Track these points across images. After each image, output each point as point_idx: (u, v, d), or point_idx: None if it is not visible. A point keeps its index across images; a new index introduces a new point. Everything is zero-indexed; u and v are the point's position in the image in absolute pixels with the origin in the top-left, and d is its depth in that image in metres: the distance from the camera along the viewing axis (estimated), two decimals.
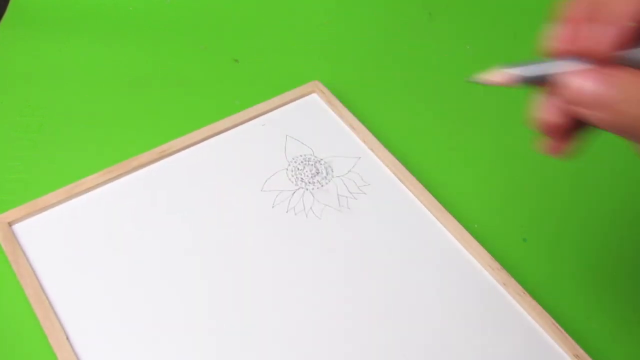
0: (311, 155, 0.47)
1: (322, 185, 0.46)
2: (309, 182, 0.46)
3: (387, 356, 0.38)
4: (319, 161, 0.47)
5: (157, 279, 0.40)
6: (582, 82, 0.25)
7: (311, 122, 0.49)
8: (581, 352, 0.38)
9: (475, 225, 0.46)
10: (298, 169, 0.46)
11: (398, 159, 0.47)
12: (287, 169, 0.46)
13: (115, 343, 0.37)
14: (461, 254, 0.43)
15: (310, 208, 0.44)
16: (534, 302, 0.40)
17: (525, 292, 0.40)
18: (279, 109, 0.50)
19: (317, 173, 0.46)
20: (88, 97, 0.52)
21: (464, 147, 0.51)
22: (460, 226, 0.43)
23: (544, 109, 0.29)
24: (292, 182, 0.46)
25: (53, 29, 0.57)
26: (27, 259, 0.39)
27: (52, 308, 0.37)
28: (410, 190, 0.45)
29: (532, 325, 0.40)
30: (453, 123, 0.53)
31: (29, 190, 0.45)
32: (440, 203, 0.44)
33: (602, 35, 0.25)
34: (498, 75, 0.31)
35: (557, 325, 0.39)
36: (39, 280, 0.39)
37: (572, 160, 0.48)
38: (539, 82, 0.28)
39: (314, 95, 0.51)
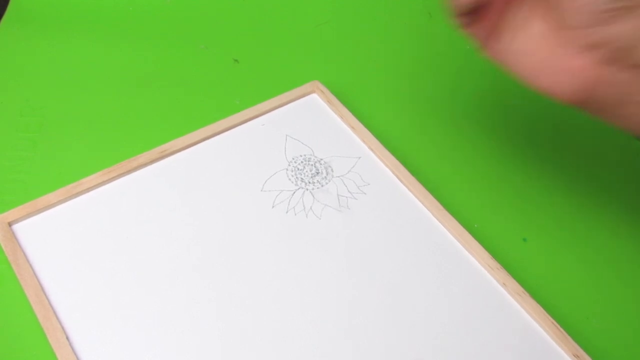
0: (311, 155, 0.47)
1: (322, 185, 0.46)
2: (309, 182, 0.46)
3: (387, 356, 0.38)
4: (319, 161, 0.47)
5: (157, 279, 0.40)
6: None
7: (311, 122, 0.49)
8: (581, 352, 0.38)
9: (475, 225, 0.46)
10: (298, 169, 0.46)
11: (398, 159, 0.47)
12: (287, 169, 0.46)
13: (115, 343, 0.37)
14: (461, 254, 0.43)
15: (310, 208, 0.44)
16: (534, 302, 0.40)
17: (525, 292, 0.40)
18: (279, 109, 0.50)
19: (317, 173, 0.46)
20: (88, 97, 0.52)
21: (464, 147, 0.51)
22: (460, 226, 0.43)
23: None
24: (292, 182, 0.46)
25: (53, 29, 0.57)
26: (27, 259, 0.39)
27: (52, 308, 0.37)
28: (410, 190, 0.45)
29: (532, 325, 0.40)
30: (453, 123, 0.53)
31: (29, 190, 0.45)
32: (440, 203, 0.44)
33: None
34: None
35: (557, 325, 0.39)
36: (39, 280, 0.39)
37: (573, 160, 0.48)
38: None
39: (314, 95, 0.51)
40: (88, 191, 0.43)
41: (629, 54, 0.28)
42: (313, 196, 0.45)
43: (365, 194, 0.45)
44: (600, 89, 0.30)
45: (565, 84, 0.31)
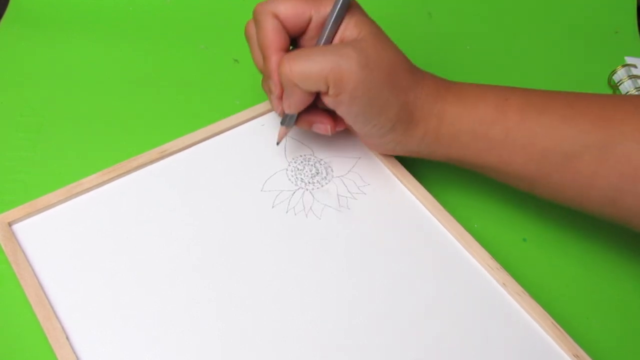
0: (311, 155, 0.47)
1: (322, 186, 0.46)
2: (309, 182, 0.46)
3: (386, 356, 0.38)
4: (319, 161, 0.47)
5: (157, 279, 0.40)
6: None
7: None
8: (581, 352, 0.38)
9: (475, 225, 0.46)
10: (298, 169, 0.46)
11: (398, 159, 0.47)
12: (287, 169, 0.46)
13: (115, 343, 0.37)
14: (461, 254, 0.43)
15: (310, 208, 0.44)
16: (534, 302, 0.40)
17: (525, 292, 0.40)
18: None
19: (317, 173, 0.46)
20: (88, 97, 0.52)
21: None
22: (460, 226, 0.43)
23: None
24: (292, 182, 0.46)
25: (53, 29, 0.57)
26: (27, 259, 0.39)
27: (52, 308, 0.37)
28: (410, 190, 0.45)
29: (532, 325, 0.40)
30: None
31: (29, 190, 0.45)
32: (440, 203, 0.44)
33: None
34: (281, 132, 0.45)
35: (557, 325, 0.39)
36: (39, 280, 0.39)
37: None
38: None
39: None
40: (88, 191, 0.43)
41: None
42: (313, 196, 0.45)
43: (365, 194, 0.45)
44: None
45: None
